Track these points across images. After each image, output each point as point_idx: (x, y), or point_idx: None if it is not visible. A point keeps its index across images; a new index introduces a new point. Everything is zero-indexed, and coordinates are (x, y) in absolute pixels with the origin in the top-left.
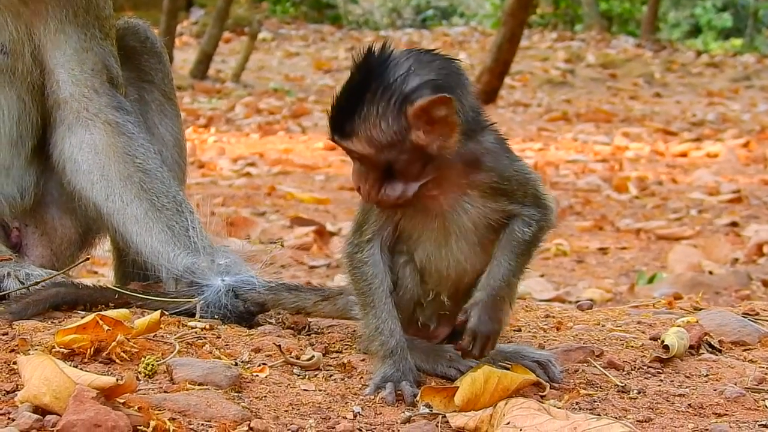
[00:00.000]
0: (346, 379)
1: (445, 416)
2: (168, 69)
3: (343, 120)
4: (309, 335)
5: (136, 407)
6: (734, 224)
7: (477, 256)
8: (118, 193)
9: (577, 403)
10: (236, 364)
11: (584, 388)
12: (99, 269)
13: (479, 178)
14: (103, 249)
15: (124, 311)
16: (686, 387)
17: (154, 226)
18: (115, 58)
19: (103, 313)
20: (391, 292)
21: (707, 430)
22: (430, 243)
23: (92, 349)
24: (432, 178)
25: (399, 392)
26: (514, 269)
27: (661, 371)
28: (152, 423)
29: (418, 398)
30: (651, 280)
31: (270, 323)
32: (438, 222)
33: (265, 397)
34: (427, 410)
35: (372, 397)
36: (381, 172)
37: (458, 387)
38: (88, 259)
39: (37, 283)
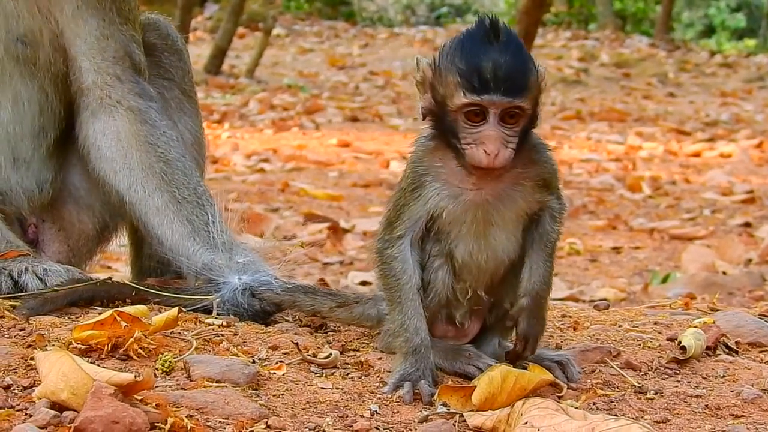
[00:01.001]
0: (363, 377)
1: (462, 415)
2: (188, 66)
3: (518, 81)
4: (326, 333)
5: (153, 404)
6: (747, 224)
7: (512, 246)
8: (140, 183)
9: (594, 404)
10: (254, 362)
11: (601, 389)
12: (113, 264)
13: (533, 171)
14: (118, 244)
15: (141, 308)
16: (703, 388)
17: (175, 219)
18: (137, 44)
19: (120, 309)
20: (419, 289)
21: (724, 431)
22: (471, 236)
23: (109, 345)
24: None
25: (417, 391)
26: (550, 268)
27: (678, 372)
28: (170, 420)
29: (435, 397)
30: (665, 280)
31: (287, 321)
32: (480, 212)
33: (282, 394)
34: (444, 409)
35: (389, 395)
36: (520, 139)
37: (475, 386)
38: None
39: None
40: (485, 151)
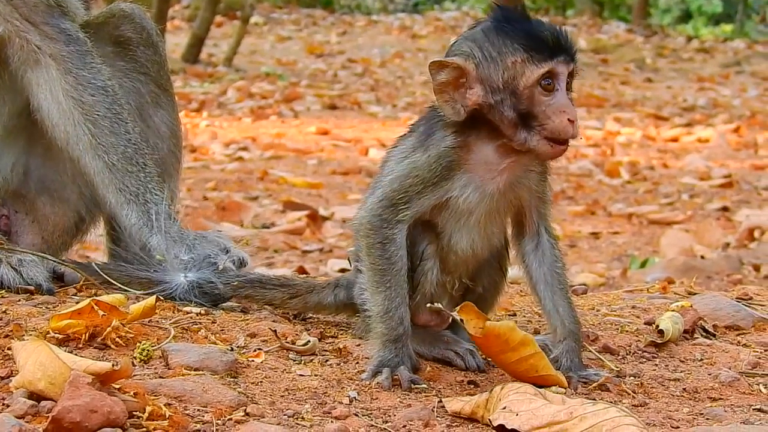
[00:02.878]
0: (341, 364)
1: (441, 400)
2: (164, 59)
3: (573, 43)
4: (304, 320)
5: (131, 393)
6: (725, 209)
7: (502, 234)
8: (75, 141)
9: (572, 388)
10: (232, 350)
11: None
12: (90, 254)
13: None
14: (97, 234)
15: (119, 296)
16: (681, 371)
17: (110, 185)
18: None
19: (98, 298)
20: (406, 279)
21: (702, 414)
22: (476, 226)
23: (87, 334)
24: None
25: (396, 377)
26: (573, 302)
27: (655, 356)
28: (148, 409)
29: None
30: (643, 265)
31: (265, 308)
32: (491, 201)
33: (261, 382)
34: (423, 391)
35: (368, 382)
36: None
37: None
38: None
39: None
40: (569, 120)
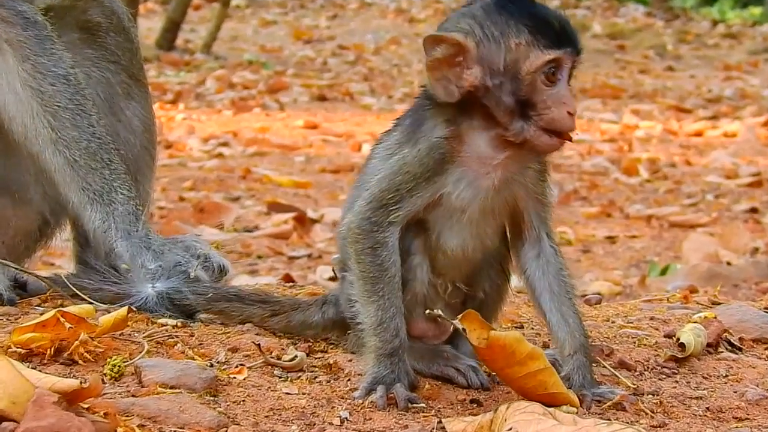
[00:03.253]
0: (332, 381)
1: (441, 421)
2: (136, 47)
3: (577, 36)
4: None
5: (101, 413)
6: (754, 210)
7: (497, 236)
8: (34, 135)
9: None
10: (211, 365)
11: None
12: (56, 260)
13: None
14: (63, 239)
15: (87, 307)
16: (704, 389)
17: (72, 184)
18: None
19: (64, 309)
20: (400, 286)
21: None
22: (468, 224)
23: (53, 348)
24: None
25: (391, 395)
26: (580, 313)
27: (676, 372)
28: (119, 430)
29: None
30: (663, 272)
31: None
32: (485, 198)
33: (243, 401)
34: (421, 410)
35: (361, 401)
36: None
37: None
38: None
39: None
40: (569, 112)
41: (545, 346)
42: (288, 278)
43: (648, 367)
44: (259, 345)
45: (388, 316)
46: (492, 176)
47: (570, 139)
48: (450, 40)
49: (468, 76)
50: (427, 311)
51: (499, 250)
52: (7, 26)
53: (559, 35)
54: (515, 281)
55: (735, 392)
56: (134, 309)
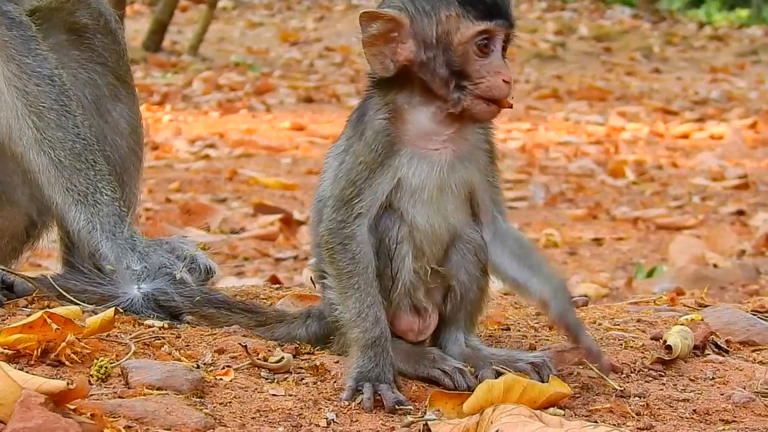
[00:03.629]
0: (318, 382)
1: (426, 423)
2: (123, 48)
3: (509, 8)
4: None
5: (88, 414)
6: (741, 213)
7: (460, 216)
8: (18, 136)
9: (572, 409)
10: (198, 367)
11: (579, 393)
12: (43, 261)
13: (485, 134)
14: (49, 240)
15: (74, 308)
16: (690, 391)
17: (55, 185)
18: None
19: (51, 310)
20: (375, 276)
21: None
22: (430, 200)
23: (39, 350)
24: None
25: (378, 397)
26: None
27: (663, 374)
28: (106, 431)
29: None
30: (650, 274)
31: None
32: (442, 173)
33: (230, 402)
34: (408, 412)
35: (347, 402)
36: None
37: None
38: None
39: None
40: (504, 80)
41: (532, 348)
42: (274, 280)
43: (635, 370)
44: (245, 346)
45: (366, 305)
46: (442, 153)
47: (508, 106)
48: (384, 16)
49: (403, 50)
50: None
51: (471, 240)
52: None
53: (490, 7)
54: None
55: (722, 395)
56: (121, 310)
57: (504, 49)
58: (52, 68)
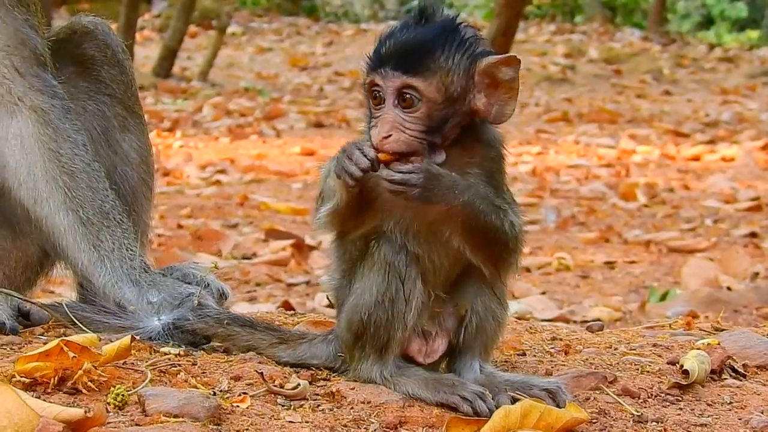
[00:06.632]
0: (334, 409)
1: None
2: (131, 79)
3: (416, 58)
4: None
5: None
6: (753, 235)
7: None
8: (45, 198)
9: None
10: (214, 394)
11: (596, 418)
12: (56, 288)
13: (478, 159)
14: (63, 267)
15: (91, 336)
16: (708, 416)
17: (82, 243)
18: (34, 29)
19: (67, 338)
20: None
21: None
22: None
23: (56, 378)
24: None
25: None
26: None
27: (680, 399)
28: None
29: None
30: (663, 298)
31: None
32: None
33: (246, 429)
34: None
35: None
36: (427, 128)
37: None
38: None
39: None
40: (377, 132)
41: (548, 373)
42: (287, 305)
43: (652, 394)
44: (261, 373)
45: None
46: None
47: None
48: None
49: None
50: None
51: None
52: (36, 95)
53: (379, 59)
54: (515, 307)
55: (739, 419)
56: (137, 338)
57: (406, 101)
58: (85, 140)
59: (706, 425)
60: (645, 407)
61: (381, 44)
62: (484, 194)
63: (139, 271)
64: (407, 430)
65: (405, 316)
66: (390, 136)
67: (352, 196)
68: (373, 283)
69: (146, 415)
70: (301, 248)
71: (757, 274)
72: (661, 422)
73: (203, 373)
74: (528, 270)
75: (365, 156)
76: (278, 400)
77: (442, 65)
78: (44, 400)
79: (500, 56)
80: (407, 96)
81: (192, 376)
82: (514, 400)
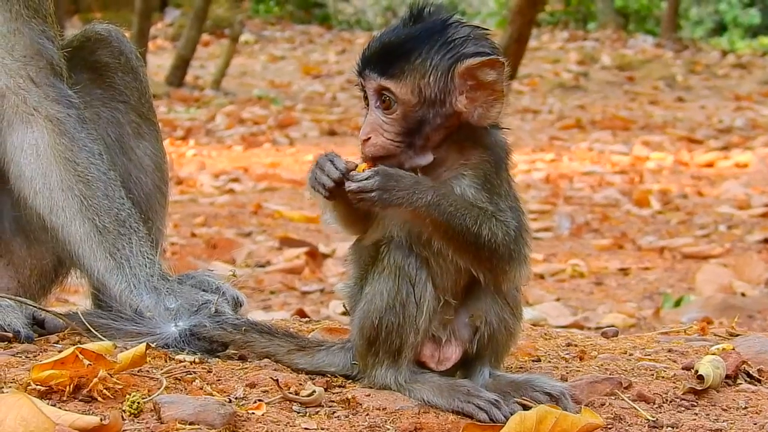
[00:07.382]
0: (350, 416)
1: None
2: (145, 86)
3: (391, 60)
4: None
5: None
6: (767, 241)
7: None
8: (61, 206)
9: None
10: (230, 401)
11: (611, 424)
12: (70, 297)
13: (472, 160)
14: (77, 275)
15: (106, 344)
16: (723, 421)
17: (98, 251)
18: (51, 41)
19: (82, 346)
20: None
21: None
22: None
23: (72, 385)
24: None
25: None
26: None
27: (695, 404)
28: None
29: None
30: (678, 304)
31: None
32: None
33: None
34: None
35: None
36: (405, 130)
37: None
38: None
39: None
40: (360, 133)
41: (564, 379)
42: (301, 313)
43: (667, 400)
44: (277, 380)
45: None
46: None
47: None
48: None
49: None
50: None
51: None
52: (52, 104)
53: (362, 60)
54: (529, 314)
55: (755, 424)
56: (152, 345)
57: (384, 102)
58: (101, 149)
59: (721, 430)
60: (660, 412)
61: (367, 46)
62: (459, 196)
63: (157, 277)
64: None
65: (417, 320)
66: (369, 139)
67: (336, 205)
68: (384, 287)
69: (161, 423)
70: (315, 256)
71: None
72: (677, 427)
73: (218, 380)
74: (542, 277)
75: (336, 167)
76: (294, 407)
77: (418, 67)
78: (60, 408)
79: (482, 58)
80: (385, 98)
81: (207, 384)
82: (525, 408)
